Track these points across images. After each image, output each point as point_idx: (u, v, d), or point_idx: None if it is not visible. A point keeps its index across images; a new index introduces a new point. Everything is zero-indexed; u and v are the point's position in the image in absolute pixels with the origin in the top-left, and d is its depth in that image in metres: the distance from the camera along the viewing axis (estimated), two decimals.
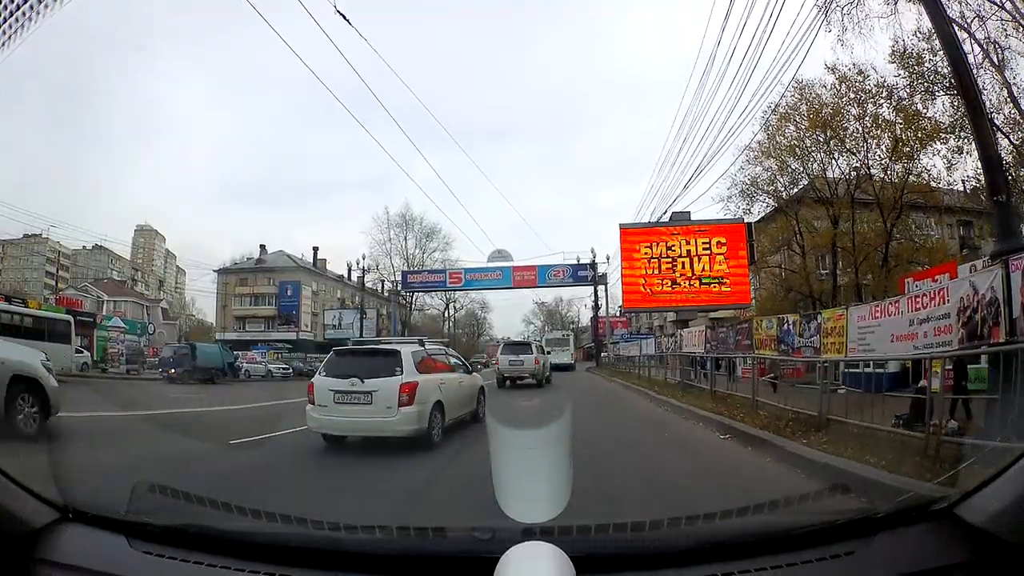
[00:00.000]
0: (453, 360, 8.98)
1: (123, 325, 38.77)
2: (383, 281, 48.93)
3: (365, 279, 47.06)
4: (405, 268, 47.73)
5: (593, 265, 41.60)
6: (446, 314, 62.80)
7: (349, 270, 41.97)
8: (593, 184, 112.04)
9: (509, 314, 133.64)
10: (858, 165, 21.40)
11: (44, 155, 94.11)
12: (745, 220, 22.90)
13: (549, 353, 26.93)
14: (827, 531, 1.48)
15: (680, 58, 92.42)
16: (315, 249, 58.91)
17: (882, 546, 1.40)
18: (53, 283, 56.67)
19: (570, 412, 1.97)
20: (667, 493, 4.86)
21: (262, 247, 58.48)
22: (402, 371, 6.86)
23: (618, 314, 49.63)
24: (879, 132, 20.90)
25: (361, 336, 36.78)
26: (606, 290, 43.14)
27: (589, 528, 1.54)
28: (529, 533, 1.40)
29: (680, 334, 22.51)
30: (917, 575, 1.32)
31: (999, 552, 1.26)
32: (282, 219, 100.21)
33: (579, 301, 74.04)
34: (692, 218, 21.66)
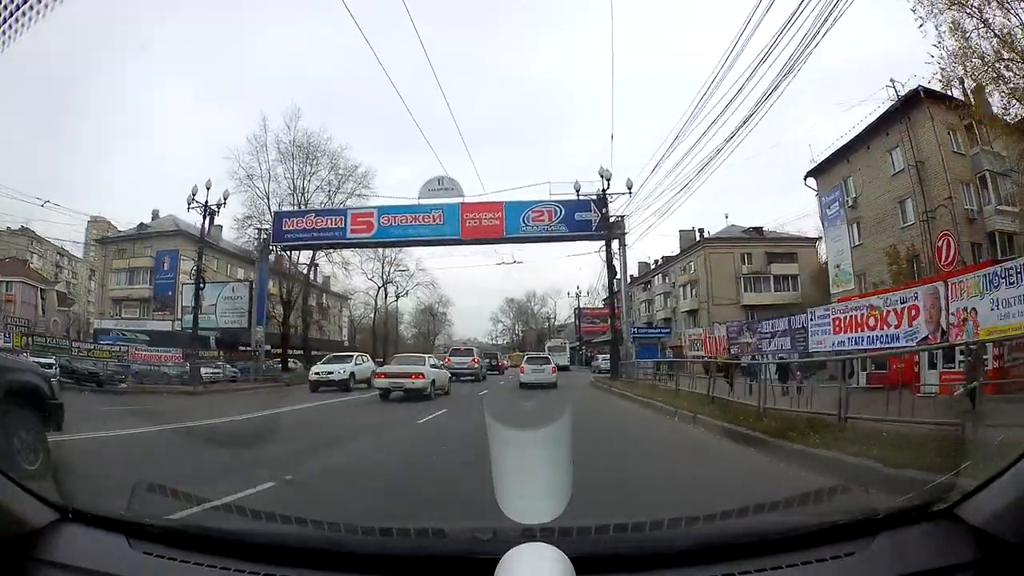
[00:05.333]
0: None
1: None
2: (264, 236, 29.25)
3: (212, 223, 26.97)
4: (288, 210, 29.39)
5: (603, 200, 24.86)
6: (378, 301, 44.28)
7: (208, 213, 25.24)
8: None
9: (468, 313, 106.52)
10: None
11: (45, 153, 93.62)
12: None
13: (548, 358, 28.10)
14: (827, 531, 1.48)
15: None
16: (211, 212, 35.79)
17: (882, 547, 1.39)
18: None
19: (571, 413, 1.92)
20: None
21: (154, 212, 40.18)
22: (551, 362, 21.99)
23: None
24: None
25: (195, 325, 25.30)
26: (623, 246, 25.62)
27: (589, 529, 1.54)
28: (529, 534, 1.39)
29: None
30: (917, 575, 1.31)
31: (1000, 553, 1.26)
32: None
33: (555, 295, 60.57)
34: None
